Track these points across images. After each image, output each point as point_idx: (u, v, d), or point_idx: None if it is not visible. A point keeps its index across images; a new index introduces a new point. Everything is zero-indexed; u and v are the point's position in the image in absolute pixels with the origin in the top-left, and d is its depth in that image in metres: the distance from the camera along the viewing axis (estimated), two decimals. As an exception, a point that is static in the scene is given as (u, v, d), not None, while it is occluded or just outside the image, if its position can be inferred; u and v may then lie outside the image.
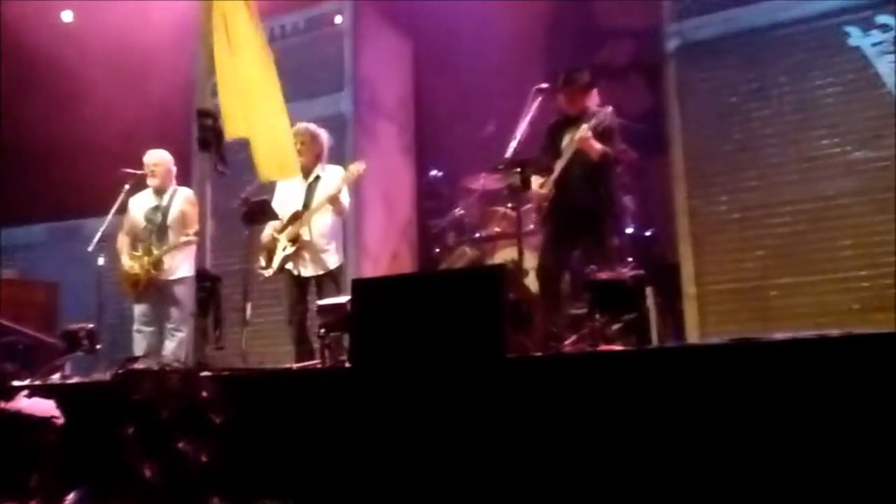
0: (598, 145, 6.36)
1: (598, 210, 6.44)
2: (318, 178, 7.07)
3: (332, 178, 7.01)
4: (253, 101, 5.88)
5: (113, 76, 9.77)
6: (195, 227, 6.81)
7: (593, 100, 6.74)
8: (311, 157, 7.04)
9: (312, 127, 7.13)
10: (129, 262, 7.56)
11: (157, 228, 7.55)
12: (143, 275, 7.45)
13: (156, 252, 7.44)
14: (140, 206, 7.70)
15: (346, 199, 6.97)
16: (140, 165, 7.72)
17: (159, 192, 7.67)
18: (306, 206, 6.98)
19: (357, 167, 6.92)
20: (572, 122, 6.57)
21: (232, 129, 5.74)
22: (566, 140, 6.56)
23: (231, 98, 5.80)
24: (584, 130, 6.31)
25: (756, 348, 3.89)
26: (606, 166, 6.49)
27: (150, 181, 7.66)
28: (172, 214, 7.56)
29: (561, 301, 6.52)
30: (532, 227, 7.11)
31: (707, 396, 3.70)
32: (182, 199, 7.58)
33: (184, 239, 7.28)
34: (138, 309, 7.58)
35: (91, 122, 9.63)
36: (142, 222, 7.61)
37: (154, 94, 9.42)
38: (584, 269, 6.23)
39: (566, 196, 6.46)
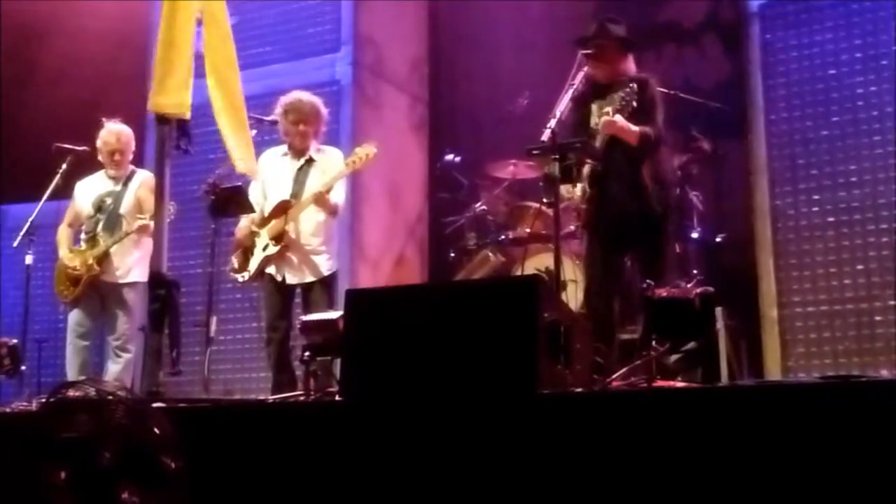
0: (631, 127, 6.20)
1: (647, 208, 6.34)
2: (310, 160, 7.07)
3: (329, 162, 7.01)
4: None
5: (46, 32, 9.82)
6: (152, 212, 6.83)
7: (629, 65, 6.59)
8: (310, 138, 7.08)
9: (317, 101, 7.15)
10: (70, 257, 7.58)
11: (108, 218, 7.58)
12: (84, 272, 7.46)
13: (102, 243, 7.45)
14: (89, 192, 7.74)
15: (339, 196, 6.98)
16: (80, 139, 7.73)
17: (115, 176, 7.70)
18: (295, 195, 6.98)
19: (365, 150, 6.88)
20: (601, 92, 6.48)
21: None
22: (594, 118, 6.49)
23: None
24: (610, 115, 6.15)
25: (855, 389, 3.85)
26: (648, 150, 6.34)
27: (110, 169, 7.70)
28: (127, 202, 7.58)
29: (614, 328, 6.45)
30: (572, 228, 7.04)
31: (791, 448, 3.67)
32: (139, 184, 7.61)
33: (138, 223, 7.29)
34: (73, 317, 7.59)
35: (16, 87, 9.66)
36: (90, 212, 7.64)
37: (98, 53, 9.44)
38: (638, 285, 6.18)
39: (605, 193, 6.36)
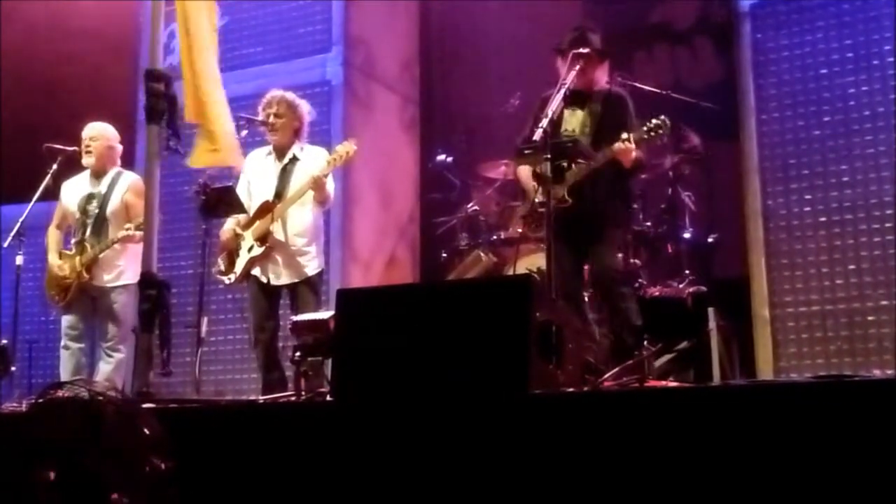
0: (634, 153, 6.24)
1: (610, 214, 6.42)
2: (294, 159, 7.07)
3: (312, 160, 6.99)
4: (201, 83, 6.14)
5: (39, 32, 9.79)
6: (139, 220, 6.80)
7: (603, 75, 6.61)
8: (287, 133, 7.06)
9: (290, 95, 7.14)
10: (59, 262, 7.55)
11: (94, 221, 7.54)
12: (73, 278, 7.44)
13: (90, 250, 7.43)
14: (74, 192, 7.70)
15: (331, 186, 6.96)
16: (71, 140, 7.71)
17: (97, 175, 7.66)
18: (279, 195, 6.97)
19: (346, 148, 6.90)
20: (576, 99, 6.48)
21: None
22: (569, 124, 6.48)
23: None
24: (628, 142, 6.13)
25: (847, 389, 3.85)
26: (635, 173, 6.48)
27: (85, 159, 7.65)
28: (113, 205, 7.54)
29: (588, 321, 6.47)
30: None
31: (783, 448, 3.66)
32: (126, 187, 7.58)
33: (122, 234, 7.27)
34: (66, 320, 7.56)
35: (7, 87, 9.64)
36: (75, 213, 7.61)
37: (89, 50, 9.42)
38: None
39: (582, 205, 6.33)
